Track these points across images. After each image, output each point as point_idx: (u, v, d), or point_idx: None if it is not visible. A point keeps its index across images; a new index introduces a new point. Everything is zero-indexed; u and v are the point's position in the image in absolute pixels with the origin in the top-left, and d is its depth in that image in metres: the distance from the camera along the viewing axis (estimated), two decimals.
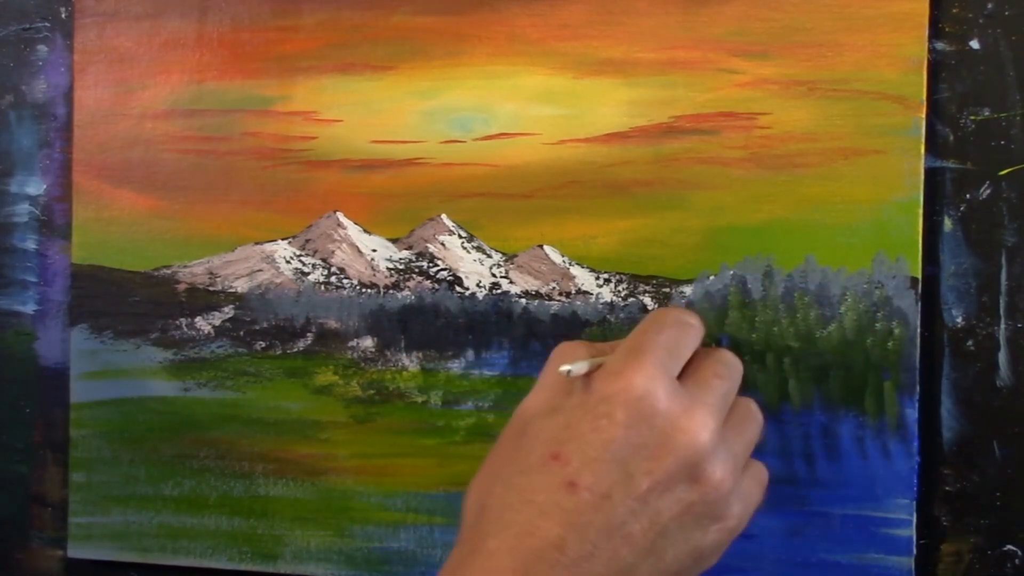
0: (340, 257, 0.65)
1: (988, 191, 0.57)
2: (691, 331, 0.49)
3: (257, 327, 0.66)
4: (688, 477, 0.45)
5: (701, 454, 0.45)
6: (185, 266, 0.67)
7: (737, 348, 0.57)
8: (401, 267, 0.64)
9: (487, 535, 0.45)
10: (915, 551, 0.57)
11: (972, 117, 0.57)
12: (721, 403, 0.48)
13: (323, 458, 0.65)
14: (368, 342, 0.64)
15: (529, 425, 0.48)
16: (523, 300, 0.62)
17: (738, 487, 0.47)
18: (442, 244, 0.63)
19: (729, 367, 0.50)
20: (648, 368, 0.46)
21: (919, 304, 0.57)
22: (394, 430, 0.64)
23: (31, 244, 0.70)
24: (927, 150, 0.57)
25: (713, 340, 0.58)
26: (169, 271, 0.68)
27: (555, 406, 0.47)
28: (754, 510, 0.50)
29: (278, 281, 0.66)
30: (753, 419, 0.51)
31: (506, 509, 0.45)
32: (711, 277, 0.59)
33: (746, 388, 0.59)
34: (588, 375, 0.47)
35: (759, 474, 0.50)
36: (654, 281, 0.60)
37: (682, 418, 0.45)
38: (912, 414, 0.57)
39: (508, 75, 0.62)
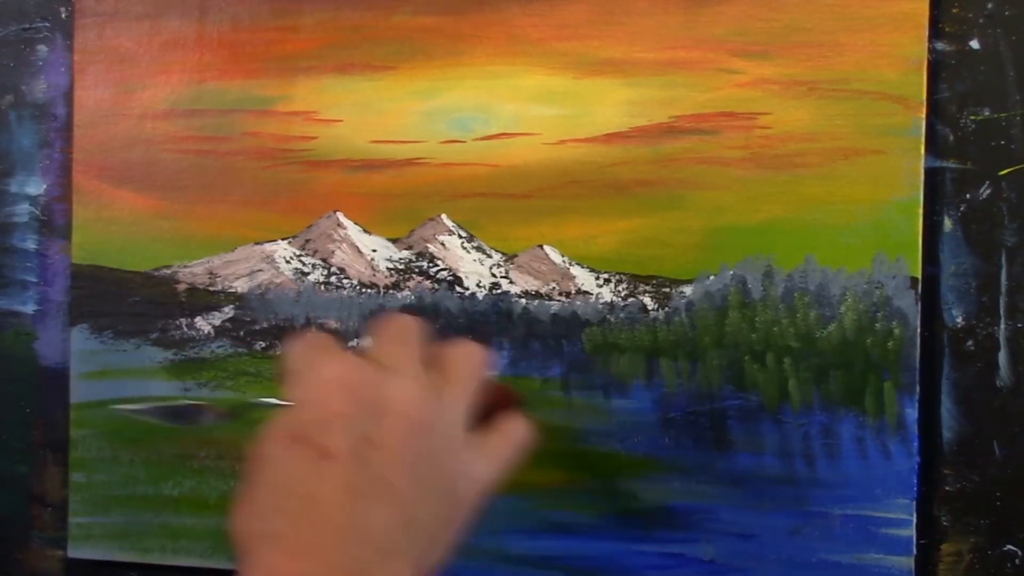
0: (340, 257, 0.65)
1: (988, 191, 0.57)
2: (327, 338, 0.53)
3: (257, 327, 0.66)
4: (414, 429, 0.48)
5: (413, 408, 0.48)
6: (185, 266, 0.67)
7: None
8: (401, 267, 0.64)
9: (272, 526, 0.47)
10: (915, 551, 0.57)
11: (972, 117, 0.57)
12: (410, 363, 0.50)
13: None
14: (368, 342, 0.64)
15: (264, 440, 0.50)
16: (523, 300, 0.62)
17: (457, 432, 0.50)
18: (442, 244, 0.63)
19: (404, 330, 0.52)
20: (332, 355, 0.49)
21: (919, 304, 0.57)
22: None
23: (31, 244, 0.70)
24: (927, 150, 0.57)
25: None
26: (169, 271, 0.68)
27: (276, 418, 0.50)
28: (510, 456, 0.52)
29: (278, 281, 0.66)
30: (465, 363, 0.52)
31: (278, 501, 0.48)
32: (711, 277, 0.59)
33: (747, 389, 0.59)
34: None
35: (503, 434, 0.52)
36: (654, 281, 0.60)
37: (381, 386, 0.48)
38: (912, 414, 0.57)
39: (508, 75, 0.62)
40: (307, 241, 0.66)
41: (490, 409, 0.52)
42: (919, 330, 0.57)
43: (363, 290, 0.65)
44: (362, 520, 0.46)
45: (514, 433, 0.53)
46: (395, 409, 0.48)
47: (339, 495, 0.46)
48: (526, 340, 0.62)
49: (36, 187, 0.70)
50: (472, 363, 0.52)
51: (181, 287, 0.67)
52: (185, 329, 0.67)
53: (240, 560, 0.48)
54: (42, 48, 0.70)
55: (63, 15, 0.70)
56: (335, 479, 0.46)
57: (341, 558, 0.45)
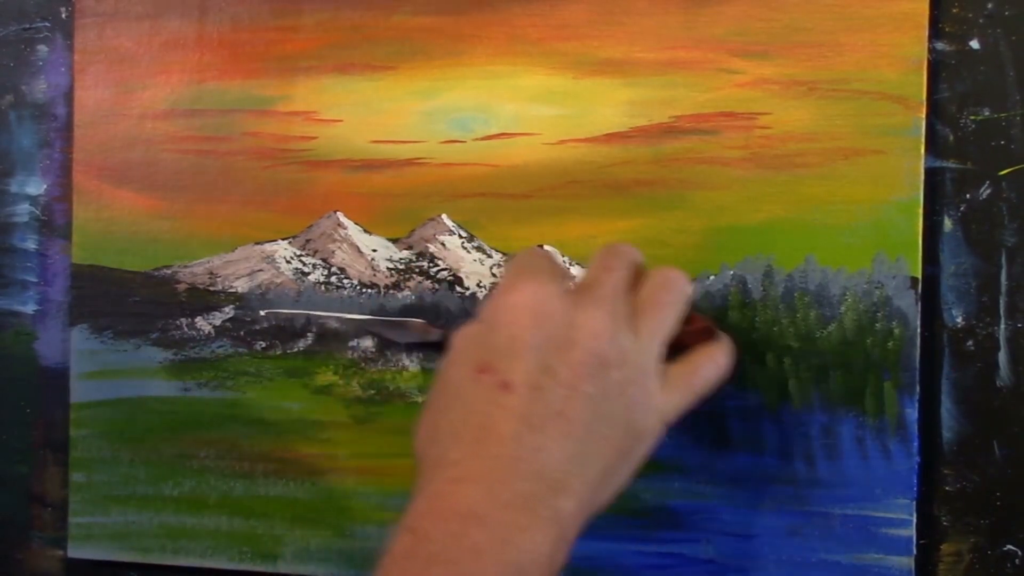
0: (340, 257, 0.65)
1: (988, 191, 0.57)
2: (549, 256, 0.54)
3: (257, 327, 0.66)
4: (600, 363, 0.48)
5: (602, 342, 0.48)
6: (185, 266, 0.67)
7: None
8: (401, 267, 0.64)
9: (446, 452, 0.47)
10: (915, 551, 0.57)
11: (972, 117, 0.57)
12: (612, 291, 0.50)
13: (323, 458, 0.65)
14: (368, 342, 0.64)
15: (448, 362, 0.50)
16: None
17: (650, 362, 0.50)
18: (442, 244, 0.63)
19: (617, 256, 0.52)
20: (532, 279, 0.49)
21: (919, 304, 0.57)
22: (394, 430, 0.64)
23: (31, 244, 0.71)
24: (927, 150, 0.57)
25: None
26: (169, 271, 0.68)
27: (464, 337, 0.50)
28: (698, 389, 0.52)
29: (278, 281, 0.66)
30: (666, 291, 0.52)
31: (455, 427, 0.48)
32: (711, 277, 0.59)
33: (747, 389, 0.59)
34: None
35: (693, 366, 0.52)
36: None
37: (573, 316, 0.48)
38: (912, 414, 0.57)
39: (508, 75, 0.62)
40: (307, 241, 0.66)
41: (689, 338, 0.52)
42: (919, 330, 0.57)
43: (363, 290, 0.65)
44: (534, 454, 0.46)
45: (706, 365, 0.52)
46: (582, 341, 0.48)
47: (514, 427, 0.46)
48: None
49: (36, 187, 0.70)
50: (673, 291, 0.52)
51: (181, 287, 0.67)
52: (185, 329, 0.67)
53: (417, 479, 0.48)
54: (42, 48, 0.70)
55: (63, 15, 0.70)
56: (511, 411, 0.47)
57: (508, 491, 0.45)
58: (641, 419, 0.49)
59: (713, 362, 0.53)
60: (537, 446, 0.46)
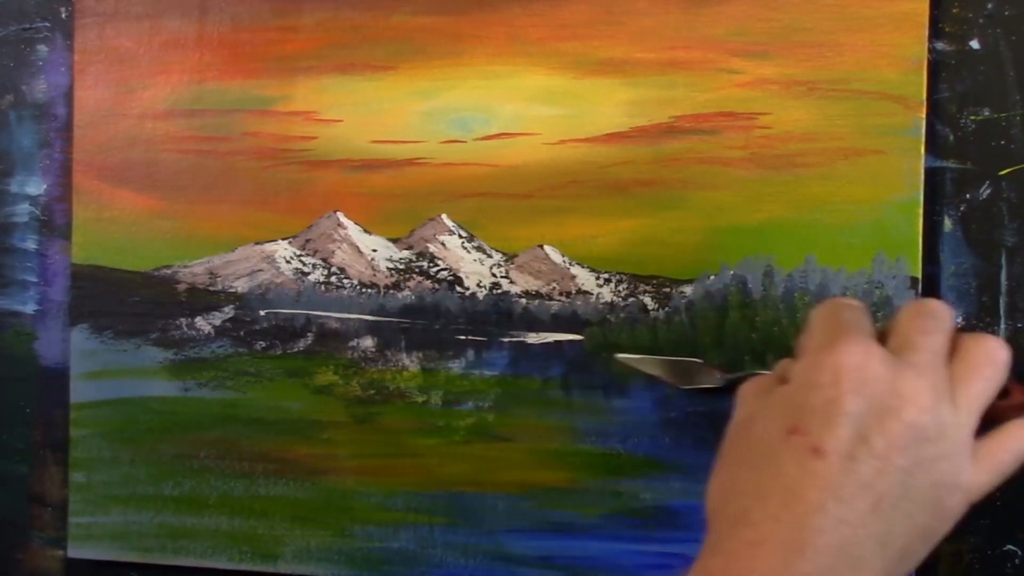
0: (340, 257, 0.65)
1: (988, 191, 0.57)
2: (861, 310, 0.50)
3: (257, 327, 0.66)
4: (918, 436, 0.45)
5: (923, 414, 0.45)
6: (185, 266, 0.67)
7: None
8: (401, 267, 0.64)
9: (747, 511, 0.45)
10: None
11: (972, 117, 0.57)
12: (932, 359, 0.47)
13: (323, 458, 0.65)
14: (368, 342, 0.64)
15: (754, 411, 0.48)
16: (523, 300, 0.62)
17: (965, 437, 0.47)
18: (442, 244, 0.63)
19: (934, 318, 0.48)
20: (855, 339, 0.46)
21: None
22: (394, 430, 0.64)
23: (31, 244, 0.71)
24: (927, 150, 0.57)
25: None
26: (169, 271, 0.68)
27: (770, 390, 0.48)
28: (1006, 468, 0.48)
29: (278, 281, 0.66)
30: (986, 362, 0.48)
31: (759, 488, 0.46)
32: (711, 277, 0.59)
33: None
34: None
35: (1004, 440, 0.48)
36: (654, 281, 0.60)
37: (896, 383, 0.46)
38: None
39: (508, 75, 0.62)
40: (307, 241, 0.66)
41: (1000, 412, 0.49)
42: None
43: (363, 290, 0.65)
44: (837, 527, 0.44)
45: (1016, 442, 0.48)
46: (902, 412, 0.45)
47: (820, 496, 0.44)
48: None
49: (36, 187, 0.70)
50: (994, 363, 0.48)
51: (181, 287, 0.67)
52: (185, 329, 0.67)
53: (708, 533, 0.46)
54: (42, 48, 0.70)
55: (63, 15, 0.70)
56: (820, 479, 0.44)
57: (807, 564, 0.43)
58: (947, 497, 0.46)
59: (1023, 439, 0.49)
60: (842, 519, 0.44)
